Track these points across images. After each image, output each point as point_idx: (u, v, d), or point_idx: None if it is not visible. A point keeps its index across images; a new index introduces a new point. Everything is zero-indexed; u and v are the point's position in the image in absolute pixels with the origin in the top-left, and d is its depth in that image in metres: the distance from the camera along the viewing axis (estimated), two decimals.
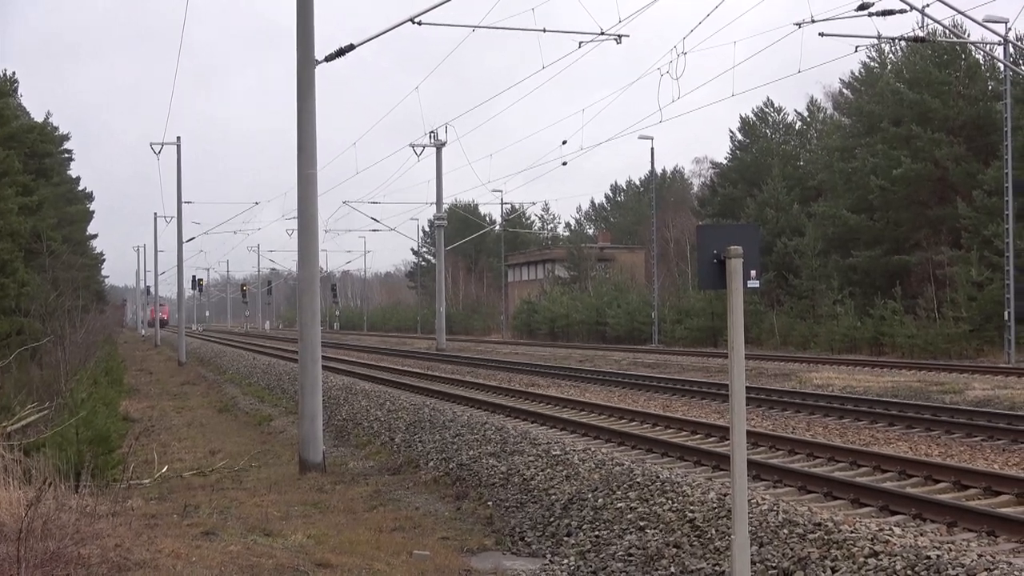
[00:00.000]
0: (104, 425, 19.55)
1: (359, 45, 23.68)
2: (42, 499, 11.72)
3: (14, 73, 62.63)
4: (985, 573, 9.79)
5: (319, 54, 21.93)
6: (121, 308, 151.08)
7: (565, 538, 14.76)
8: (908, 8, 26.89)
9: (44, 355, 35.16)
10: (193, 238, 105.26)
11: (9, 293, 37.11)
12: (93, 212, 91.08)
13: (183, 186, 72.13)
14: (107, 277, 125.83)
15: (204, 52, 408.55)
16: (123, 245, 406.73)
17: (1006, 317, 45.48)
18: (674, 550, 12.95)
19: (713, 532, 12.95)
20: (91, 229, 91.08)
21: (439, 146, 69.92)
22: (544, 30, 28.67)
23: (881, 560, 10.72)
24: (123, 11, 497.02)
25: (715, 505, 13.77)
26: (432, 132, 69.78)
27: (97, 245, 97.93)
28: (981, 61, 60.25)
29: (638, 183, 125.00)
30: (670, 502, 14.52)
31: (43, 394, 25.80)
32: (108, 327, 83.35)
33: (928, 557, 10.46)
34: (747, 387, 9.72)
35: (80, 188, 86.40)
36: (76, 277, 57.45)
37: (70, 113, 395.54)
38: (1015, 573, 9.71)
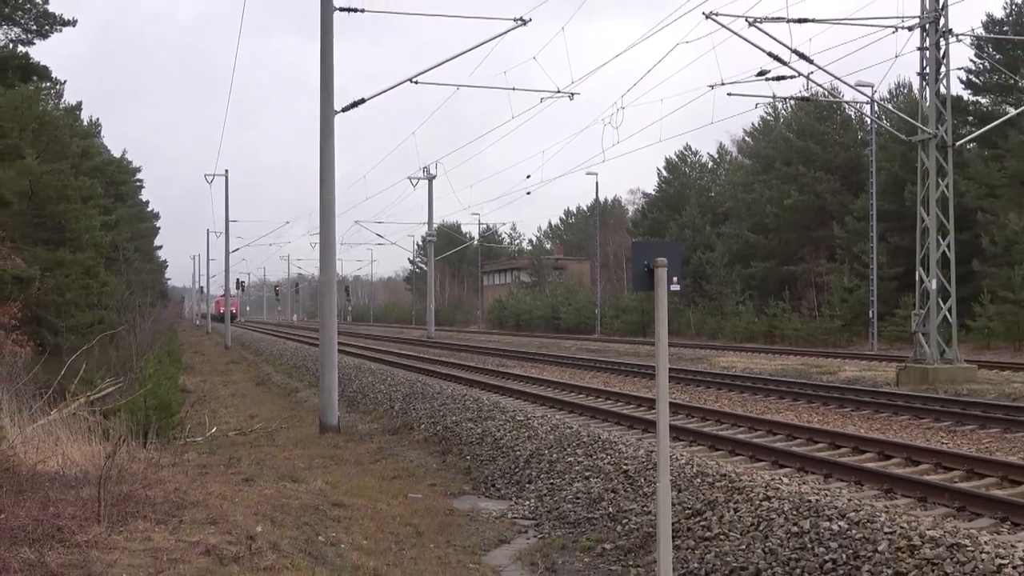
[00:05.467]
0: (166, 395, 19.53)
1: (369, 99, 23.73)
2: (117, 452, 11.66)
3: (97, 119, 62.60)
4: (853, 513, 9.83)
5: (337, 105, 21.96)
6: (180, 304, 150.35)
7: (527, 485, 14.79)
8: (797, 75, 26.98)
9: (119, 340, 34.99)
10: (237, 249, 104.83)
11: (93, 291, 37.02)
12: (159, 228, 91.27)
13: (229, 207, 72.06)
14: (169, 279, 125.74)
15: (247, 97, 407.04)
16: (182, 253, 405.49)
17: (870, 315, 45.84)
18: (612, 494, 12.97)
19: (642, 481, 12.98)
20: (157, 241, 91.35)
21: (430, 179, 69.97)
22: (514, 88, 28.65)
23: (773, 503, 10.76)
24: (182, 65, 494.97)
25: (644, 460, 13.80)
26: (425, 167, 70.01)
27: (161, 254, 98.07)
28: (852, 116, 60.68)
29: (586, 209, 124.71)
30: (609, 457, 14.56)
31: (119, 370, 25.67)
32: (169, 319, 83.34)
33: (809, 501, 10.50)
34: (669, 368, 9.75)
35: (148, 209, 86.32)
36: (145, 279, 57.27)
37: (141, 148, 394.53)
38: (877, 514, 9.76)
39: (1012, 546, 8.53)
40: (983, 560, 8.17)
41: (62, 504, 9.65)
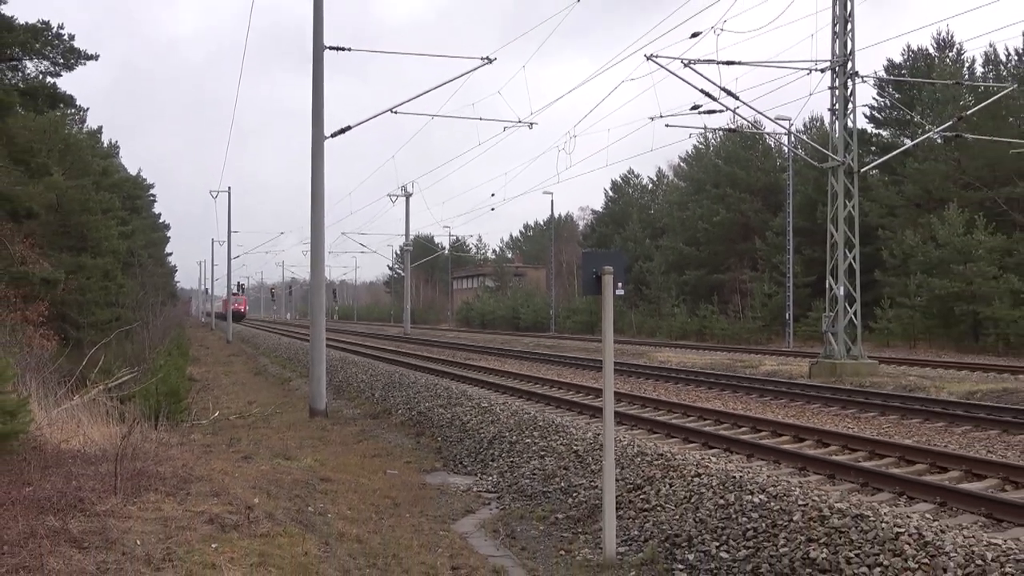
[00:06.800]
0: (175, 383, 19.36)
1: (355, 126, 23.66)
2: (132, 433, 11.59)
3: (116, 141, 62.42)
4: (772, 488, 9.89)
5: (327, 131, 21.86)
6: (187, 304, 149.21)
7: (490, 463, 14.77)
8: (725, 109, 27.14)
9: (134, 335, 34.79)
10: (238, 256, 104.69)
11: (111, 292, 36.87)
12: (169, 237, 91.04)
13: (231, 219, 71.73)
14: (178, 282, 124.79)
15: (248, 124, 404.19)
16: (189, 259, 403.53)
17: (787, 317, 46.13)
18: (564, 471, 12.99)
19: (590, 459, 13.01)
20: (167, 249, 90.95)
21: (407, 196, 69.85)
22: (480, 118, 28.66)
23: (703, 479, 10.81)
24: (190, 96, 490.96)
25: (591, 441, 13.83)
26: (403, 186, 69.95)
27: (171, 260, 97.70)
28: (772, 146, 61.13)
29: (542, 223, 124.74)
30: (561, 439, 14.57)
31: (133, 361, 25.52)
32: (178, 317, 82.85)
33: (734, 476, 10.56)
34: (614, 362, 9.78)
35: (160, 220, 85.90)
36: (157, 282, 57.11)
37: (154, 167, 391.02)
38: (792, 488, 9.83)
39: (908, 516, 8.61)
40: (883, 528, 8.24)
41: (83, 478, 9.58)
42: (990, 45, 48.51)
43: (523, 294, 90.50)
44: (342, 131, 23.24)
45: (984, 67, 47.59)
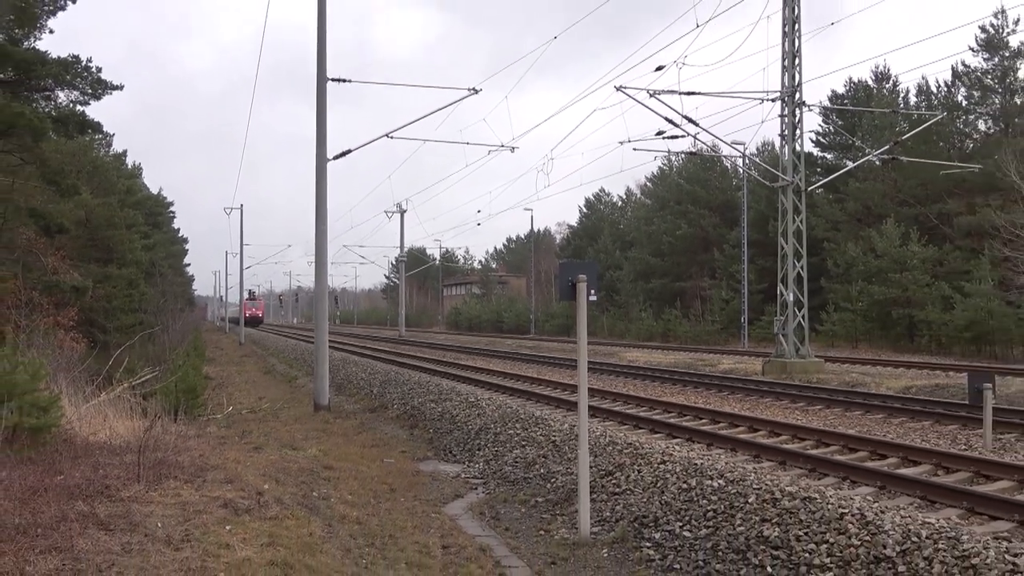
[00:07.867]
0: (193, 381, 19.25)
1: (354, 150, 23.69)
2: (154, 426, 11.54)
3: (139, 163, 62.33)
4: (729, 473, 9.92)
5: (329, 154, 21.82)
6: (203, 309, 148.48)
7: (477, 452, 14.76)
8: (686, 134, 27.24)
9: (156, 338, 34.59)
10: (250, 266, 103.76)
11: (134, 299, 36.76)
12: (187, 249, 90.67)
13: (243, 233, 71.58)
14: (195, 290, 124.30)
15: (258, 149, 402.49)
16: (206, 269, 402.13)
17: (742, 321, 46.29)
18: (543, 459, 12.99)
19: (567, 448, 13.01)
20: (186, 260, 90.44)
21: (402, 212, 69.85)
22: (467, 143, 28.82)
23: (668, 466, 10.83)
24: (206, 123, 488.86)
25: (568, 432, 13.83)
26: (398, 204, 69.97)
27: (189, 270, 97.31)
28: (729, 167, 61.31)
29: (523, 237, 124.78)
30: (541, 430, 14.57)
31: (155, 362, 25.35)
32: (195, 321, 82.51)
33: (695, 463, 10.58)
34: (588, 361, 9.78)
35: (179, 235, 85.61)
36: (176, 290, 56.88)
37: (174, 186, 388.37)
38: (747, 474, 9.86)
39: (851, 499, 8.65)
40: (829, 509, 8.27)
41: (109, 467, 9.54)
42: (923, 77, 48.64)
43: (506, 300, 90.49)
44: (343, 154, 23.24)
45: (917, 97, 47.83)
